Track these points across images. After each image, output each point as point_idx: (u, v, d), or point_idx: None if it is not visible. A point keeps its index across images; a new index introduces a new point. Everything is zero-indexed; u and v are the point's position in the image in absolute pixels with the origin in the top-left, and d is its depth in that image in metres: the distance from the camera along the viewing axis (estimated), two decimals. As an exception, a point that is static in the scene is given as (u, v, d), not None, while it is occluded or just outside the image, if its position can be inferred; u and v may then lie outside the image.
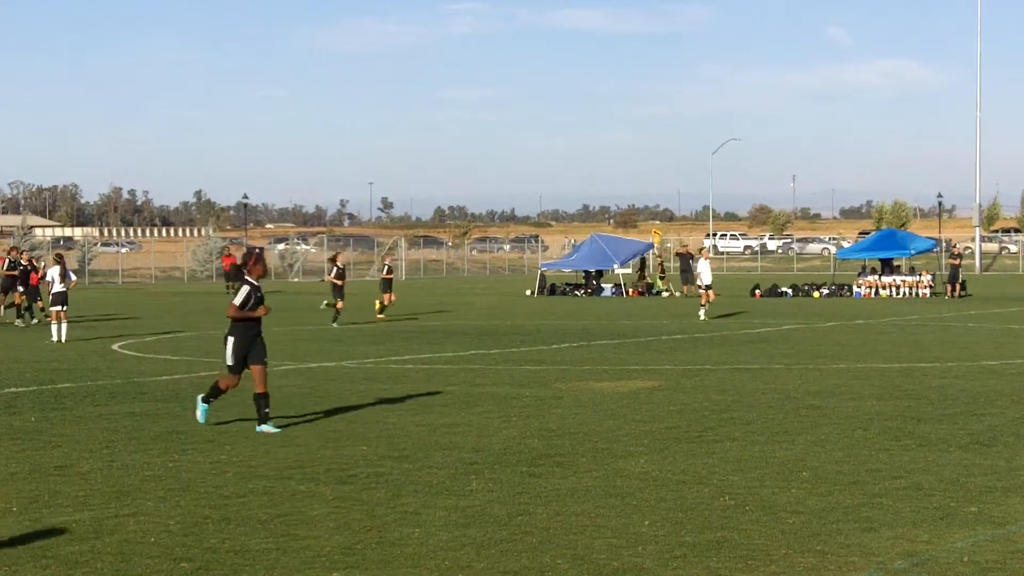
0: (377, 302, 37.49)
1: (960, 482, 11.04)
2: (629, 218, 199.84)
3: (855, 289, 52.54)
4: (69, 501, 10.42)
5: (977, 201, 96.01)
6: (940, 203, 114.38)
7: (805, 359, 23.02)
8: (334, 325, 33.20)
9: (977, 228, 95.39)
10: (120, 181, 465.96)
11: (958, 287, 51.16)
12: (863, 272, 54.70)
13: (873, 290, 52.25)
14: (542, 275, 58.85)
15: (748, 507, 10.01)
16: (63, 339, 27.58)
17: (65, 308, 28.08)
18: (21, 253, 37.14)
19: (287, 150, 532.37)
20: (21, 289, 34.95)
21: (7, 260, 35.62)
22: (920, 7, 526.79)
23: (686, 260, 56.30)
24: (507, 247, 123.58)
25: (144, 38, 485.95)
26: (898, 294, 51.78)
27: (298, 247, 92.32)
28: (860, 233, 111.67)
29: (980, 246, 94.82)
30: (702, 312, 35.75)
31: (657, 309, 42.90)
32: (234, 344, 14.30)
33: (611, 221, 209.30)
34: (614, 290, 54.79)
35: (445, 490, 10.78)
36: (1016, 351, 24.52)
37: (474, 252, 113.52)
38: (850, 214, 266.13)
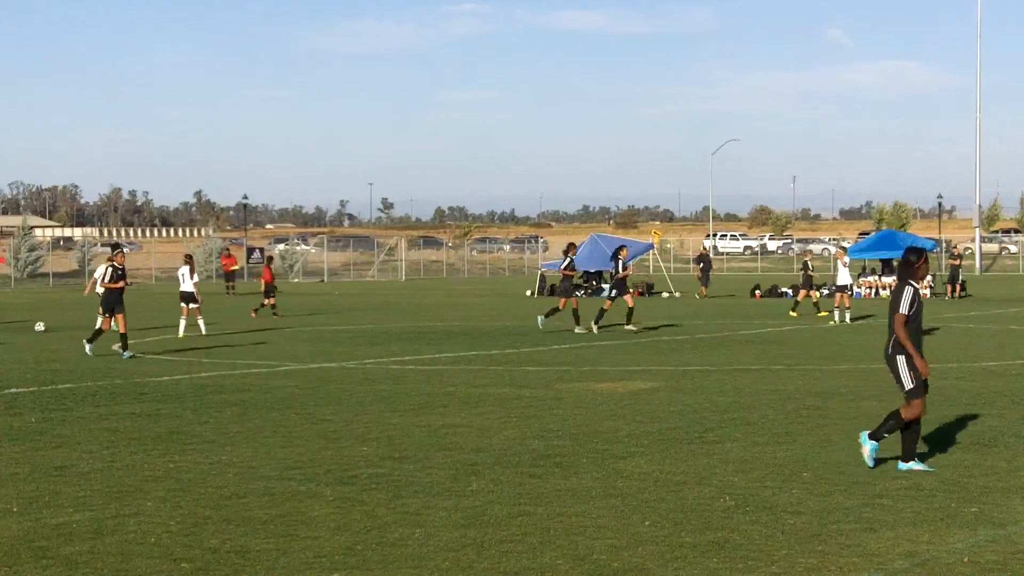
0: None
1: (960, 483, 11.04)
2: (629, 219, 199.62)
3: (855, 289, 52.51)
4: (70, 501, 10.42)
5: (977, 202, 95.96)
6: (940, 204, 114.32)
7: (806, 360, 23.02)
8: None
9: (977, 229, 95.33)
10: (120, 181, 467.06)
11: (958, 288, 51.17)
12: (863, 272, 54.71)
13: (873, 290, 52.25)
14: (542, 275, 58.87)
15: (749, 508, 10.01)
16: (203, 331, 29.92)
17: (196, 306, 30.66)
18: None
19: (287, 150, 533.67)
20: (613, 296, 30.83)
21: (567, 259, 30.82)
22: (920, 8, 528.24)
23: (708, 261, 55.99)
24: (507, 247, 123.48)
25: (144, 38, 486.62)
26: (898, 295, 51.73)
27: (298, 248, 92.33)
28: (860, 234, 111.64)
29: (980, 247, 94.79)
30: (837, 315, 34.65)
31: (657, 310, 42.88)
32: (908, 362, 11.80)
33: (611, 222, 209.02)
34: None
35: (445, 491, 10.78)
36: (1016, 352, 24.50)
37: (474, 253, 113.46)
38: (850, 215, 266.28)
